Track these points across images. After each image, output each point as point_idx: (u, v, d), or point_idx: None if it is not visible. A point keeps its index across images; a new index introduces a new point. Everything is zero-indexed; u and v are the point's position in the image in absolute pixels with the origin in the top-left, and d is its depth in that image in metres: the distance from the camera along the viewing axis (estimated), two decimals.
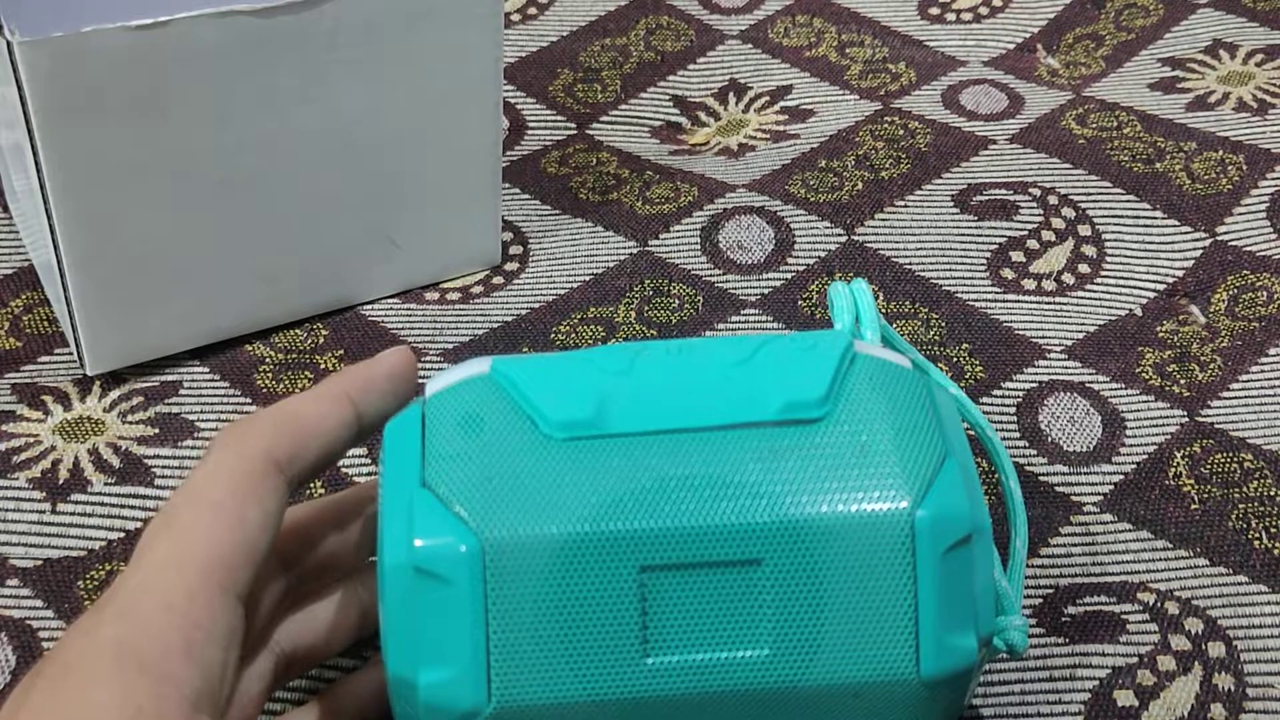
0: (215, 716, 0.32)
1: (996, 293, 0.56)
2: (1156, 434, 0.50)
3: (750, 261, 0.58)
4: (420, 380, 0.53)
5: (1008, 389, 0.52)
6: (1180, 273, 0.57)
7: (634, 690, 0.35)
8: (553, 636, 0.34)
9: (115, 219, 0.49)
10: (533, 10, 0.74)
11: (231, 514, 0.33)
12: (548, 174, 0.63)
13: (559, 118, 0.67)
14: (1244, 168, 0.62)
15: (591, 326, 0.55)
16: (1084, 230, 0.59)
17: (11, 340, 0.54)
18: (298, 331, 0.55)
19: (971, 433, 0.50)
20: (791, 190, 0.61)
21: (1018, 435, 0.51)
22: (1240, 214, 0.60)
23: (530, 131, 0.66)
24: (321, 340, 0.54)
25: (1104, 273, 0.57)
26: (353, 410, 0.37)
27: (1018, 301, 0.56)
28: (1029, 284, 0.57)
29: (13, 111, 0.47)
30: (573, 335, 0.55)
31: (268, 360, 0.54)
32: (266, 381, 0.53)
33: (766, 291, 0.57)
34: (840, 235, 0.59)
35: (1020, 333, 0.55)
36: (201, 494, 0.34)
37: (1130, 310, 0.56)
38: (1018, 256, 0.58)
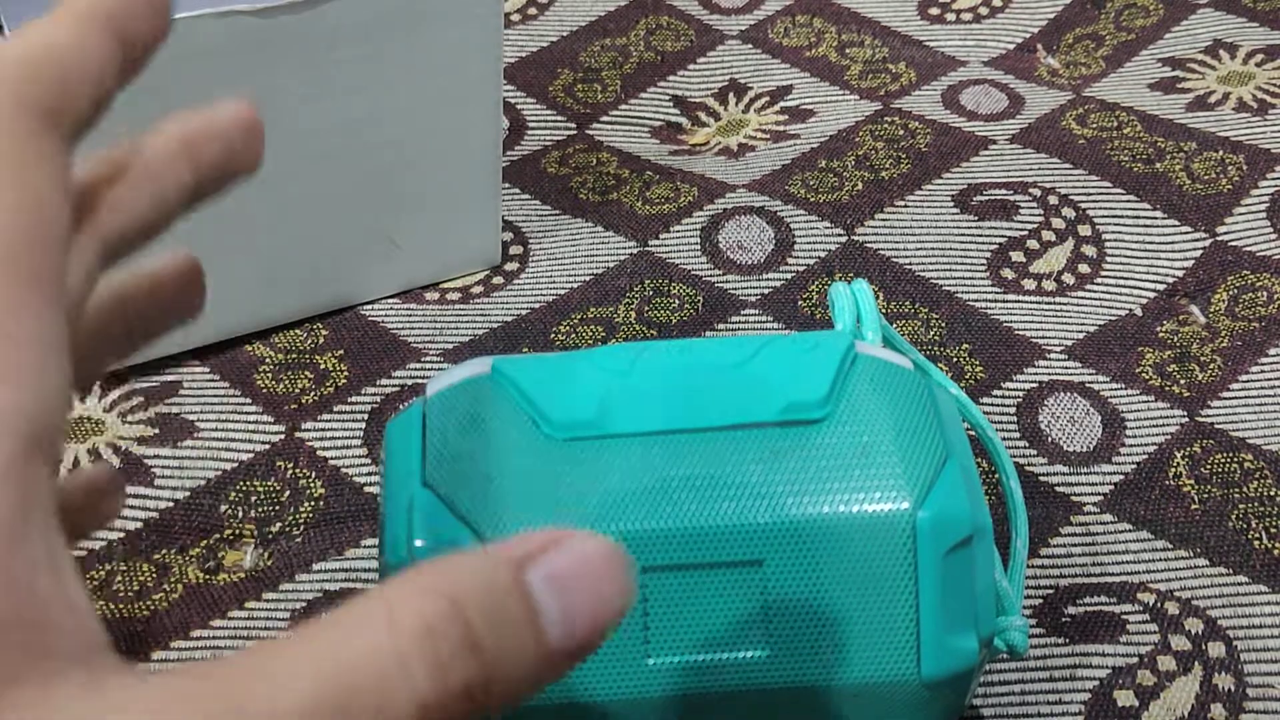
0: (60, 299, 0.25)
1: (996, 293, 0.56)
2: (1156, 434, 0.50)
3: (750, 261, 0.58)
4: (421, 382, 0.53)
5: (1008, 389, 0.52)
6: (1180, 273, 0.57)
7: (635, 690, 0.35)
8: None
9: None
10: (533, 10, 0.74)
11: (14, 187, 0.25)
12: (548, 174, 0.63)
13: (559, 118, 0.67)
14: (1244, 168, 0.62)
15: (591, 326, 0.55)
16: (1084, 230, 0.59)
17: None
18: (298, 331, 0.55)
19: (972, 433, 0.50)
20: (791, 190, 0.61)
21: (1018, 435, 0.51)
22: (1240, 214, 0.60)
23: (530, 131, 0.66)
24: (321, 340, 0.54)
25: (1104, 273, 0.57)
26: (114, 36, 0.27)
27: (1018, 301, 0.56)
28: (1029, 284, 0.57)
29: None
30: (573, 335, 0.55)
31: (268, 360, 0.54)
32: (266, 381, 0.53)
33: (766, 291, 0.57)
34: (840, 235, 0.59)
35: (1020, 333, 0.55)
36: None
37: (1130, 310, 0.56)
38: (1018, 256, 0.58)
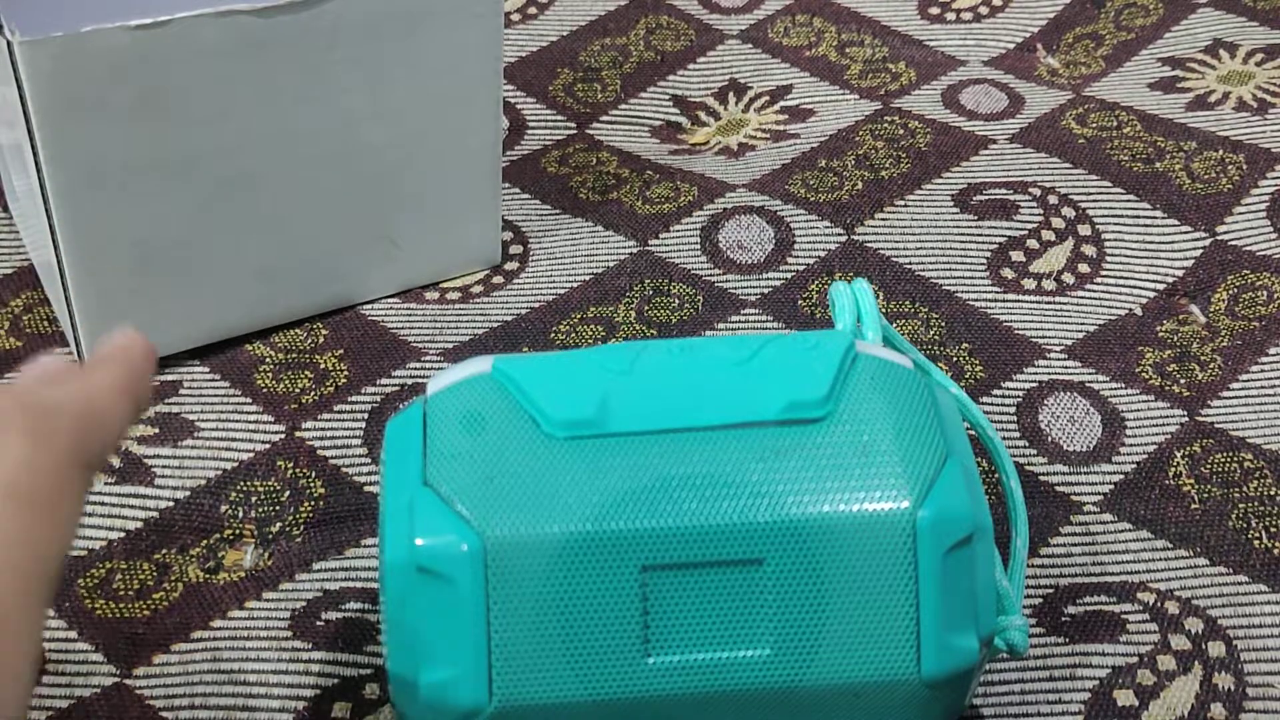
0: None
1: (996, 292, 0.56)
2: (1156, 434, 0.50)
3: (750, 261, 0.58)
4: (421, 381, 0.53)
5: (1008, 389, 0.52)
6: (1180, 272, 0.57)
7: (635, 690, 0.35)
8: (554, 635, 0.34)
9: (115, 219, 0.49)
10: (533, 10, 0.74)
11: (50, 517, 0.31)
12: (548, 174, 0.63)
13: (559, 117, 0.67)
14: (1244, 167, 0.62)
15: (591, 326, 0.55)
16: (1084, 230, 0.59)
17: (11, 340, 0.54)
18: (298, 331, 0.55)
19: (972, 432, 0.50)
20: (791, 190, 0.61)
21: (1018, 435, 0.51)
22: (1240, 213, 0.60)
23: (530, 131, 0.66)
24: (321, 340, 0.55)
25: (1104, 272, 0.57)
26: (134, 404, 0.35)
27: (1018, 301, 0.56)
28: (1029, 284, 0.57)
29: (13, 111, 0.47)
30: (573, 335, 0.55)
31: (268, 360, 0.54)
32: (266, 381, 0.53)
33: (766, 291, 0.57)
34: (840, 235, 0.59)
35: (1020, 332, 0.55)
36: (17, 492, 0.31)
37: (1130, 310, 0.56)
38: (1018, 256, 0.58)
